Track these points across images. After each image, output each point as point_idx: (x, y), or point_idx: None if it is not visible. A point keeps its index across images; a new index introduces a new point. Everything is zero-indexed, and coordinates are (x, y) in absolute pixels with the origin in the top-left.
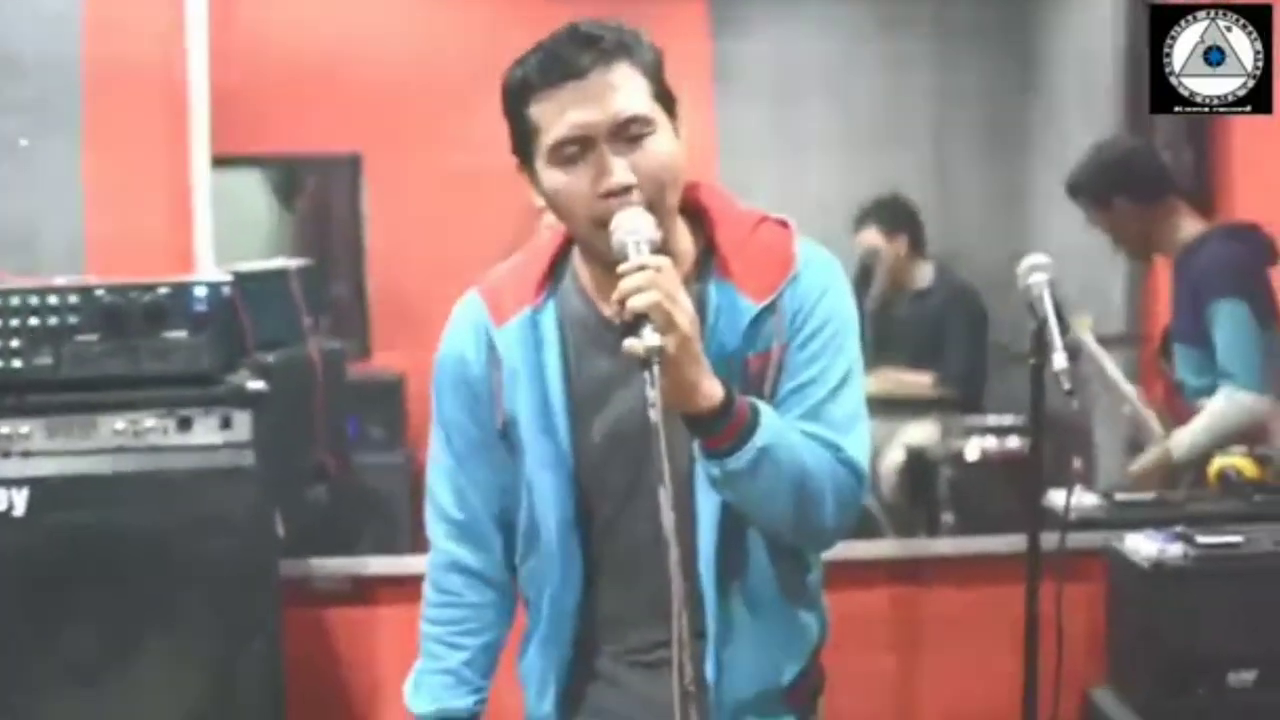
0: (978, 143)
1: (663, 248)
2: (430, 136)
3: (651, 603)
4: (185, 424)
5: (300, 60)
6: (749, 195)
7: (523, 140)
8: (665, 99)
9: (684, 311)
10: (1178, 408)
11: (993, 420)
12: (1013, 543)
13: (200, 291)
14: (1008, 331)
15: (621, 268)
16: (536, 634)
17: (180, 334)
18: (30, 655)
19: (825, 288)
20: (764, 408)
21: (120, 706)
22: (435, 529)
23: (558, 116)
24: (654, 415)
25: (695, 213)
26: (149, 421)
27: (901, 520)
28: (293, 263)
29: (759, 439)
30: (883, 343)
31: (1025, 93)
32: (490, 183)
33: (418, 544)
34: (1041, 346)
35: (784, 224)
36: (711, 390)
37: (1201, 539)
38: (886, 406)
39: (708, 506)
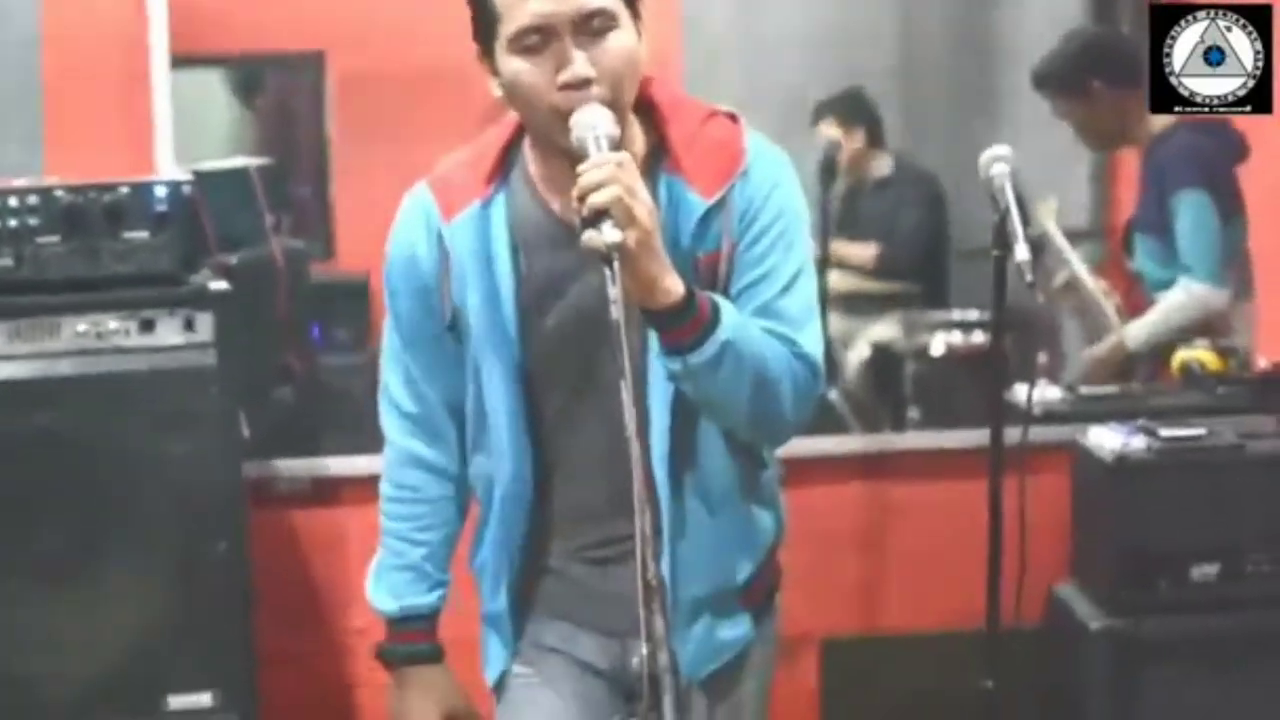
0: (943, 40)
1: (619, 143)
2: (395, 33)
3: (603, 499)
4: (147, 325)
5: None
6: (713, 91)
7: (484, 27)
8: None
9: (644, 205)
10: (1137, 298)
11: (957, 315)
12: (977, 437)
13: (161, 191)
14: (974, 229)
15: (581, 166)
16: (488, 530)
17: (141, 234)
18: None
19: (775, 183)
20: (724, 302)
21: (85, 609)
22: (390, 424)
23: (521, 4)
24: (615, 312)
25: (646, 107)
26: (111, 323)
27: (867, 416)
28: (254, 161)
29: (721, 333)
30: (846, 233)
31: None
32: (456, 80)
33: (382, 439)
34: (1003, 238)
35: (733, 118)
36: (673, 285)
37: (1164, 432)
38: (851, 303)
39: (660, 403)
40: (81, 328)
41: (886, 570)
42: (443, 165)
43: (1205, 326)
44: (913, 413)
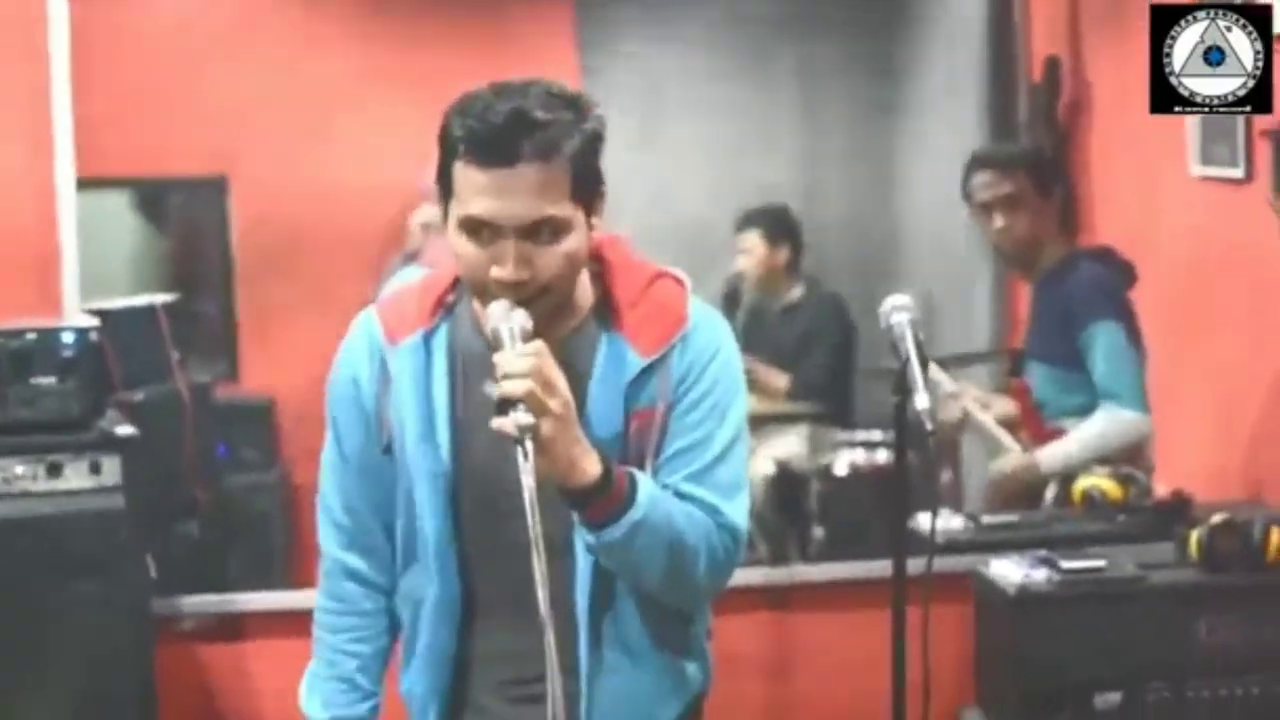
0: (842, 159)
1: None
2: (298, 157)
3: (523, 638)
4: (55, 470)
5: (162, 82)
6: (615, 216)
7: (444, 183)
8: (589, 183)
9: (558, 396)
10: (1036, 427)
11: (861, 435)
12: (880, 567)
13: (68, 338)
14: (878, 349)
15: (497, 357)
16: (415, 656)
17: (49, 380)
18: None
19: (716, 350)
20: (642, 479)
21: None
22: (327, 537)
23: (476, 195)
24: (527, 492)
25: (596, 261)
26: (18, 468)
27: (772, 534)
28: (159, 299)
29: (635, 513)
30: (752, 355)
31: (888, 108)
32: (358, 203)
33: (292, 568)
34: (904, 385)
35: (679, 282)
36: (588, 466)
37: (1065, 564)
38: (754, 421)
39: (585, 555)
40: None
41: (792, 700)
42: (392, 291)
43: (1127, 452)
44: (818, 532)
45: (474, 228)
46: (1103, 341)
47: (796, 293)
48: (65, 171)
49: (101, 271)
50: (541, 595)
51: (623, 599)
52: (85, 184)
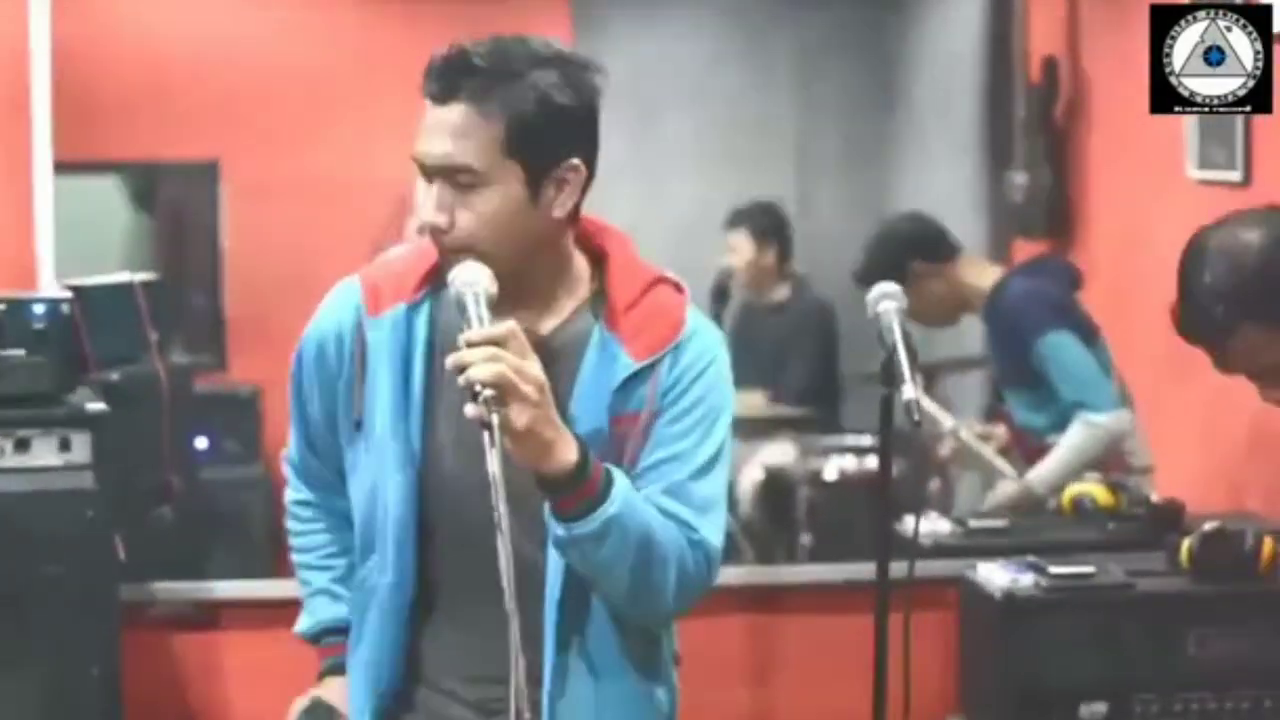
0: (838, 157)
1: (524, 285)
2: (289, 142)
3: (482, 643)
4: (23, 445)
5: (156, 64)
6: (606, 210)
7: None
8: (533, 145)
9: (532, 381)
10: (1027, 448)
11: (850, 440)
12: (864, 570)
13: (39, 309)
14: (864, 351)
15: (465, 336)
16: (358, 653)
17: (18, 352)
18: None
19: (709, 362)
20: (619, 476)
21: None
22: (289, 471)
23: (419, 135)
24: (493, 468)
25: (598, 256)
26: None
27: (760, 540)
28: (138, 277)
29: (609, 507)
30: (735, 358)
31: (885, 106)
32: (351, 191)
33: (277, 562)
34: (891, 376)
35: (679, 288)
36: (565, 453)
37: (1054, 569)
38: (744, 426)
39: (556, 568)
40: None
41: (771, 705)
42: (378, 262)
43: (1113, 451)
44: (805, 539)
45: (421, 170)
46: (1054, 354)
47: (783, 292)
48: (42, 145)
49: (89, 256)
50: (507, 579)
51: (593, 613)
52: (74, 168)
